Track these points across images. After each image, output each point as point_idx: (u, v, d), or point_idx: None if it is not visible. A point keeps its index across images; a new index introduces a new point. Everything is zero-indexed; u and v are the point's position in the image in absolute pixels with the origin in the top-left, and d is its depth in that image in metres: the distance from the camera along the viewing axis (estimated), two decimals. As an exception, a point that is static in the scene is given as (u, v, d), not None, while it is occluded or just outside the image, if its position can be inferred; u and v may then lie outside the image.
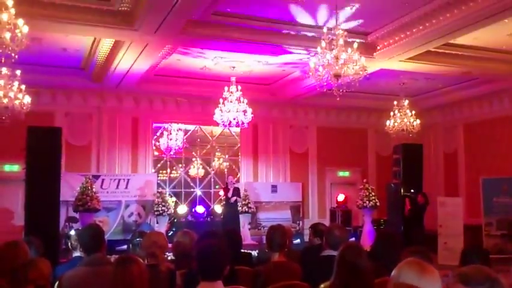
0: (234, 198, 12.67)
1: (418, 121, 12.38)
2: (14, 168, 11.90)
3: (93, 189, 11.37)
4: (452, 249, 10.17)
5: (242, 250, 5.59)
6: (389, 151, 12.44)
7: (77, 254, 4.79)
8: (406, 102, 12.43)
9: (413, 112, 12.44)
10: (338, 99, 7.85)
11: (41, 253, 4.36)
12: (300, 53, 10.07)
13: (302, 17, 8.80)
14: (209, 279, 3.07)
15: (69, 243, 5.24)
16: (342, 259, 3.36)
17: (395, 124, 12.36)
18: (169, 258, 5.77)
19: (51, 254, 6.02)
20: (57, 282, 4.03)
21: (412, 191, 11.37)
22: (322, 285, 3.80)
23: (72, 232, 5.49)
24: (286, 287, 4.09)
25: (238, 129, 13.70)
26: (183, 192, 15.23)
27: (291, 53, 10.09)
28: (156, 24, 8.21)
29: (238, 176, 14.96)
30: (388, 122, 12.46)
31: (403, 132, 12.37)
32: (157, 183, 13.82)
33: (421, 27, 8.72)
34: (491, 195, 11.95)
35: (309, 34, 9.13)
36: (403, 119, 12.33)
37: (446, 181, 15.03)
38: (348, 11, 8.28)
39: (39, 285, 3.18)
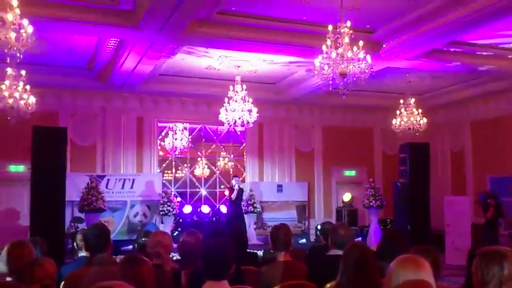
0: (234, 194, 12.52)
1: (425, 119, 12.31)
2: (19, 168, 11.96)
3: (99, 189, 11.39)
4: (460, 249, 10.10)
5: (248, 250, 5.58)
6: (396, 150, 12.37)
7: (82, 253, 4.77)
8: (413, 100, 12.36)
9: (420, 110, 12.37)
10: (344, 98, 7.80)
11: (46, 253, 4.36)
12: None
13: (307, 15, 8.76)
14: (215, 279, 3.06)
15: (75, 243, 5.24)
16: (347, 258, 3.33)
17: (402, 123, 12.29)
18: (174, 258, 5.76)
19: (57, 254, 6.01)
20: (62, 282, 4.02)
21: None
22: (328, 285, 3.78)
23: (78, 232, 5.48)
24: (293, 286, 4.06)
25: (243, 129, 13.67)
26: (188, 192, 15.23)
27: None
28: (160, 23, 8.20)
29: (243, 175, 14.94)
30: (394, 121, 12.40)
31: (409, 130, 12.30)
32: (163, 183, 13.84)
33: (427, 25, 8.66)
34: (499, 193, 11.87)
35: (314, 32, 9.08)
36: (409, 118, 12.26)
37: (453, 180, 14.96)
38: (353, 9, 8.22)
39: (45, 284, 3.17)
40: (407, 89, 12.60)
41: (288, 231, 4.59)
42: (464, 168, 14.61)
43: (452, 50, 10.13)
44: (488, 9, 7.69)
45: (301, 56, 10.32)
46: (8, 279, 3.58)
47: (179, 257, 5.08)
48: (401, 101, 12.36)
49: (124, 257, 3.21)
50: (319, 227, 6.00)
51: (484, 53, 10.39)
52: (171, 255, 4.85)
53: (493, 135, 13.61)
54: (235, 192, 12.49)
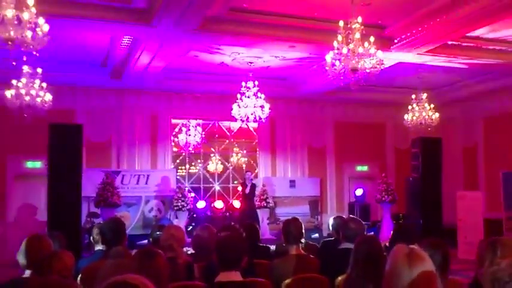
0: (248, 188, 12.74)
1: (437, 114, 12.26)
2: (36, 164, 12.13)
3: (114, 185, 11.54)
4: (473, 244, 10.08)
5: (260, 244, 5.65)
6: (408, 145, 12.34)
7: (99, 247, 4.89)
8: (425, 95, 12.31)
9: (432, 105, 12.33)
10: (354, 91, 7.83)
11: (64, 246, 4.47)
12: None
13: (318, 11, 8.79)
14: (227, 269, 3.15)
15: (91, 237, 5.36)
16: (357, 252, 3.39)
17: (414, 118, 12.26)
18: (188, 252, 5.86)
19: (74, 248, 6.11)
20: (79, 275, 4.14)
21: None
22: (339, 278, 3.85)
23: (94, 227, 5.60)
24: (304, 279, 4.13)
25: (256, 125, 13.73)
26: (201, 188, 15.35)
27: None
28: (173, 20, 8.29)
29: (256, 171, 15.01)
30: (406, 116, 12.38)
31: (421, 125, 12.27)
32: (177, 178, 13.96)
33: (438, 20, 8.63)
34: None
35: (326, 28, 9.11)
36: (421, 113, 12.23)
37: (465, 175, 14.87)
38: (364, 4, 8.23)
39: (63, 275, 3.26)
40: (419, 84, 12.55)
41: (299, 224, 4.65)
42: (477, 163, 14.52)
43: (464, 44, 10.08)
44: (500, 3, 7.65)
45: (312, 52, 10.35)
46: (27, 271, 3.69)
47: (193, 251, 5.17)
48: (413, 96, 12.33)
49: (138, 250, 3.28)
50: (330, 221, 6.06)
51: (497, 48, 10.33)
52: (185, 249, 4.95)
53: (506, 130, 13.49)
54: (248, 187, 12.66)
